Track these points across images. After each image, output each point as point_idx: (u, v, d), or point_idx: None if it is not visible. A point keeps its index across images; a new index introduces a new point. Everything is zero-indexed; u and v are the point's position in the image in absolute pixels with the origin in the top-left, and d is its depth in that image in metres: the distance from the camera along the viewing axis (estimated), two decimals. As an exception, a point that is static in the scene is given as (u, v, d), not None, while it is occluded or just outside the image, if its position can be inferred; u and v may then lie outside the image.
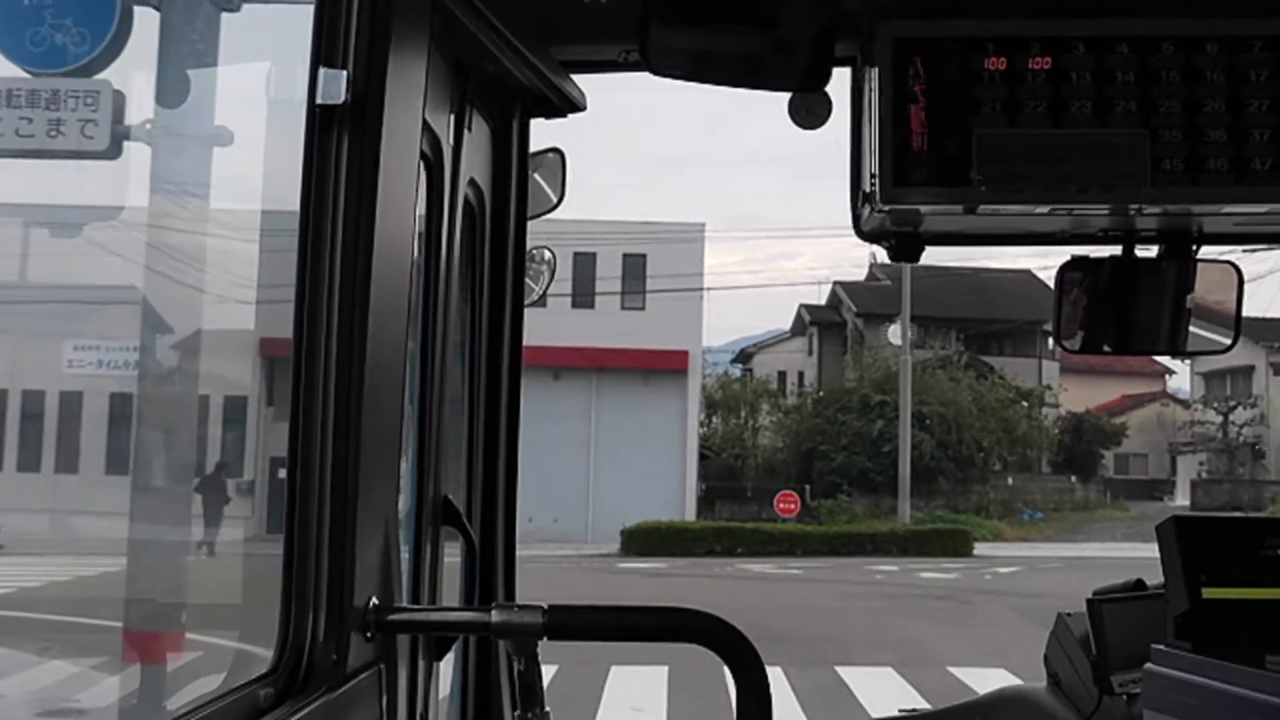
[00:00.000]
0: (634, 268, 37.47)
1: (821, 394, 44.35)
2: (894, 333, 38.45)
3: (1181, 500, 45.68)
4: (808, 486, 38.90)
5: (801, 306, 51.45)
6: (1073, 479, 48.02)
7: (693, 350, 37.65)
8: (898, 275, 40.20)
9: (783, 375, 50.17)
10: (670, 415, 36.57)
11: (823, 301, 50.98)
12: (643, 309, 37.38)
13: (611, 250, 36.52)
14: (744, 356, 54.00)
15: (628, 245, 36.68)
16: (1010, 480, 43.97)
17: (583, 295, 35.85)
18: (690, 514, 36.42)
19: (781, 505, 35.37)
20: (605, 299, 37.29)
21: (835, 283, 49.84)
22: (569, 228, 28.08)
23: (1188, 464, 49.40)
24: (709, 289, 40.55)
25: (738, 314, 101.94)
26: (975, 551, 32.71)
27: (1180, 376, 55.38)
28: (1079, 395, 48.72)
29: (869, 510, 38.39)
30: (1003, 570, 27.45)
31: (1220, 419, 46.95)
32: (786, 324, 53.30)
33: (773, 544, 31.97)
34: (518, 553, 2.77)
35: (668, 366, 36.59)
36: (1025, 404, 43.42)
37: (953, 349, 44.67)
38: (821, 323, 50.00)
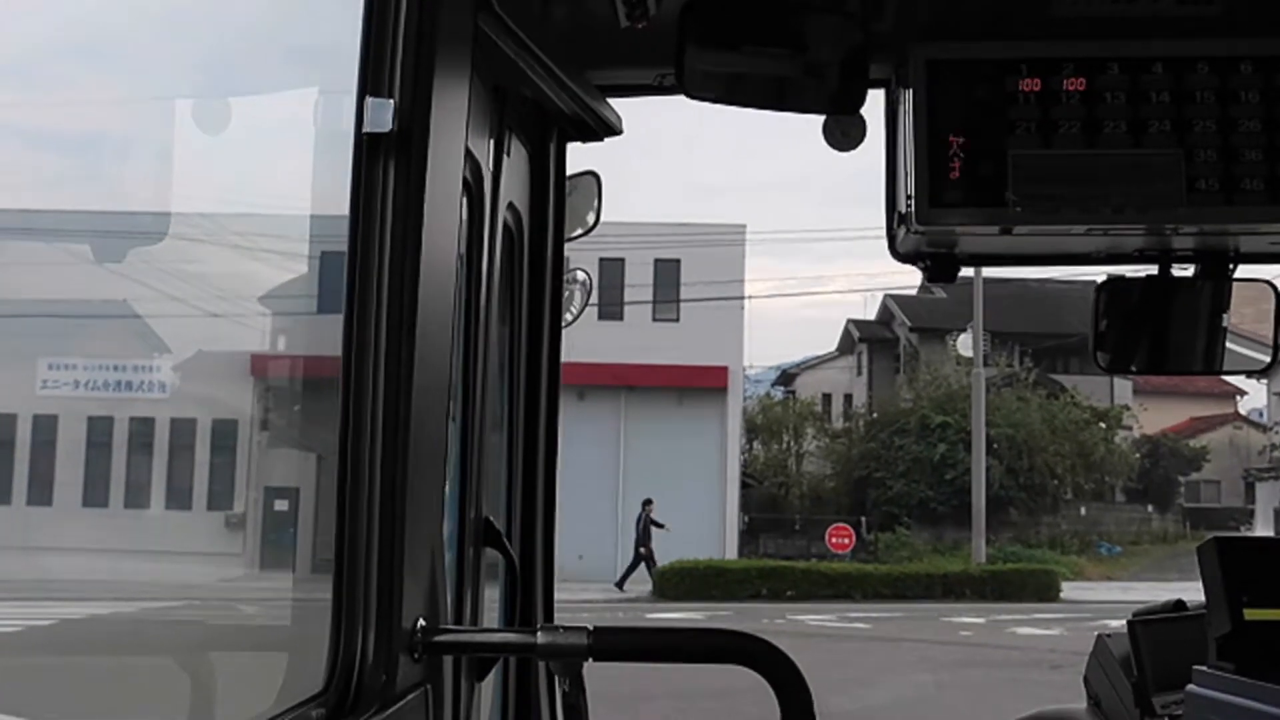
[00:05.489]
0: (667, 274, 36.13)
1: (875, 415, 42.94)
2: (963, 343, 36.93)
3: (1264, 530, 44.17)
4: (862, 519, 37.38)
5: (849, 322, 50.31)
6: (1149, 508, 46.72)
7: (733, 366, 36.17)
8: (953, 285, 38.37)
9: (827, 398, 49.11)
10: (708, 439, 35.21)
11: (872, 316, 49.62)
12: (677, 320, 35.98)
13: (642, 255, 35.13)
14: (786, 378, 53.26)
15: (660, 250, 35.35)
16: (1083, 510, 42.55)
17: (610, 305, 34.44)
18: (731, 550, 34.85)
19: (834, 540, 33.89)
20: (635, 309, 35.82)
21: (886, 295, 48.31)
22: (595, 231, 26.25)
23: (1267, 491, 47.96)
24: (751, 297, 39.85)
25: (775, 341, 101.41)
26: (1062, 594, 30.41)
27: (1253, 397, 54.45)
28: (1145, 417, 47.43)
29: (931, 544, 36.84)
30: (1113, 623, 24.31)
31: (1304, 443, 45.25)
32: (825, 349, 52.63)
33: (828, 586, 29.83)
34: None
35: (705, 384, 35.11)
36: (1103, 426, 41.89)
37: (1018, 366, 42.93)
38: (871, 339, 48.81)
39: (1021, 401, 40.14)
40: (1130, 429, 45.33)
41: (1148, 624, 3.65)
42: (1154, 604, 3.87)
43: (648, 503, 32.38)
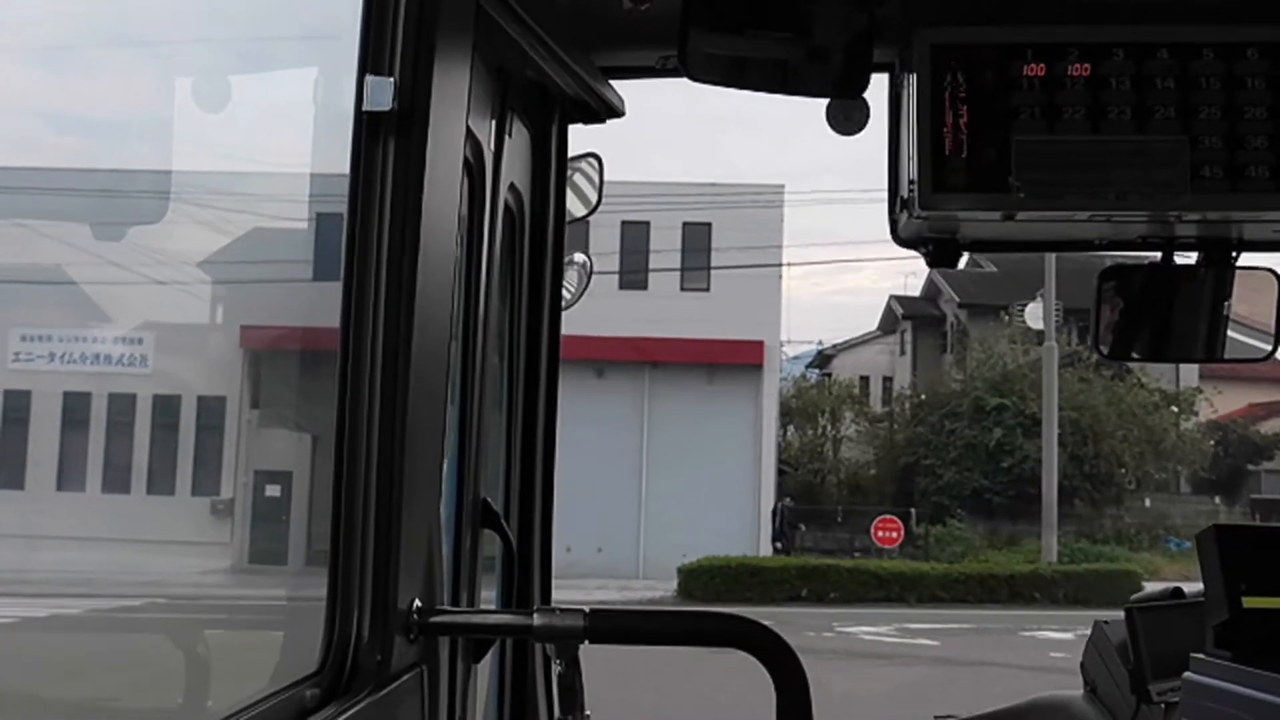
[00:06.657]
0: (696, 239, 34.28)
1: (923, 398, 40.59)
2: (1032, 313, 34.12)
3: (1336, 527, 42.33)
4: (911, 510, 35.02)
5: (892, 298, 48.04)
6: (1216, 500, 44.43)
7: (769, 341, 34.23)
8: (1008, 258, 36.25)
9: (865, 380, 47.44)
10: (741, 420, 33.44)
11: (917, 292, 47.26)
12: (707, 290, 34.17)
13: (669, 218, 33.42)
14: (822, 359, 51.54)
15: (689, 212, 33.56)
16: (1148, 502, 40.51)
17: (633, 273, 33.11)
18: (766, 545, 32.83)
19: (881, 533, 31.75)
20: (661, 278, 34.15)
21: (932, 270, 45.24)
22: (617, 190, 24.35)
23: (1335, 483, 46.51)
24: (790, 264, 38.46)
25: (807, 326, 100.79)
26: (1145, 598, 27.49)
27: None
28: (1215, 401, 44.82)
29: (986, 539, 34.52)
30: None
31: (1375, 431, 43.82)
32: (862, 331, 50.83)
33: (878, 588, 27.20)
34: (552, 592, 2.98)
35: (738, 360, 33.24)
36: (1175, 409, 39.39)
37: (1078, 343, 40.58)
38: (916, 317, 46.53)
39: (1084, 383, 37.69)
40: (1196, 414, 43.05)
41: (1145, 611, 3.67)
42: (1152, 591, 3.88)
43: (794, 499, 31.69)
